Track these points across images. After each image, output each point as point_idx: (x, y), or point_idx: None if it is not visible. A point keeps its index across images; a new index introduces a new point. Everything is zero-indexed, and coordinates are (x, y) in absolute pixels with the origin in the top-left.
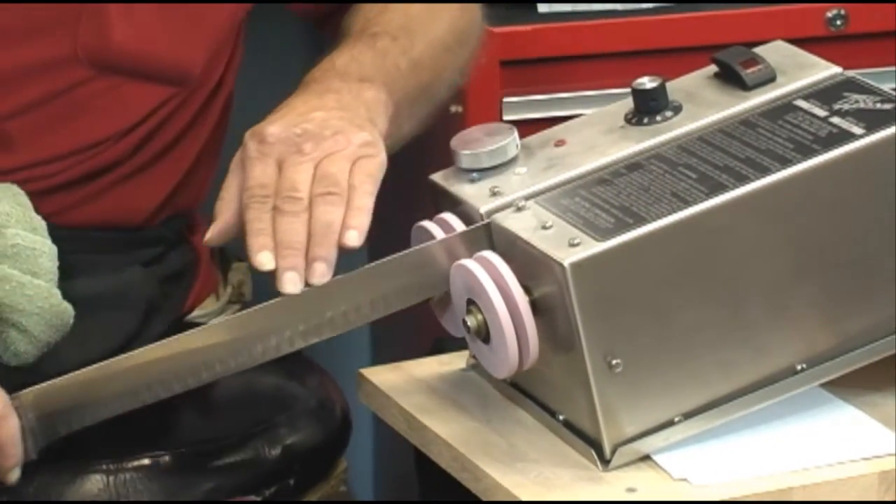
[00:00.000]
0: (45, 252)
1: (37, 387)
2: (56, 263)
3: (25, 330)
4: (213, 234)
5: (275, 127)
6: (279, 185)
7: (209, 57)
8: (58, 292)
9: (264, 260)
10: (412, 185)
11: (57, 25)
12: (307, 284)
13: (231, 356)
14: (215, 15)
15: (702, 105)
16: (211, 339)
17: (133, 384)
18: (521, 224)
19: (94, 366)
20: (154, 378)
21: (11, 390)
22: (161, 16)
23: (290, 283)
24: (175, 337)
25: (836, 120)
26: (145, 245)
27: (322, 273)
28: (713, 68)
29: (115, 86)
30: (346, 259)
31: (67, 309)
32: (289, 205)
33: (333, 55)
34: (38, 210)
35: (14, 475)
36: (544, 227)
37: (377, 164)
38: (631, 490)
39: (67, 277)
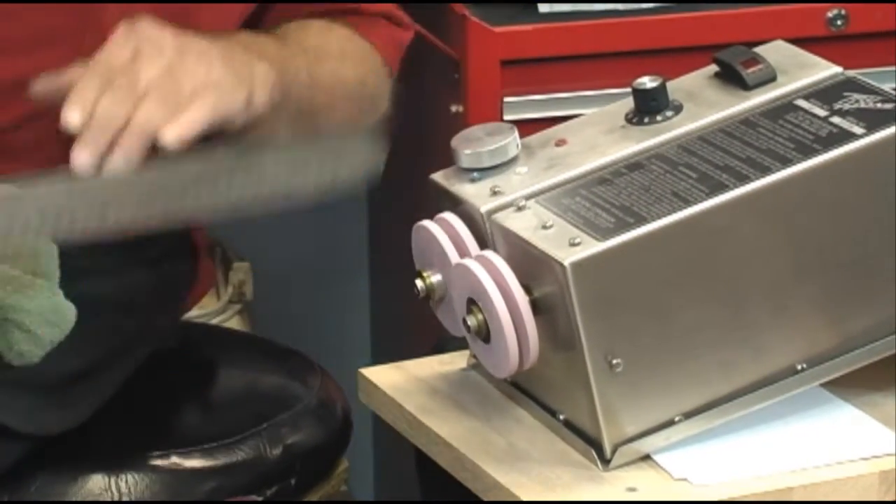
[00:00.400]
0: (46, 252)
1: None
2: (57, 262)
3: (29, 330)
4: (39, 84)
5: (158, 26)
6: (125, 66)
7: None
8: (60, 291)
9: (73, 118)
10: (413, 184)
11: (61, 36)
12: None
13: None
14: (215, 19)
15: (702, 105)
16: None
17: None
18: (521, 224)
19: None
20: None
21: (15, 389)
22: (162, 23)
23: (80, 159)
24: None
25: (836, 120)
26: (146, 246)
27: (116, 164)
28: (714, 68)
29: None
30: (347, 262)
31: (70, 308)
32: (122, 85)
33: (239, 33)
34: None
35: None
36: (545, 227)
37: (227, 101)
38: (631, 490)
39: (69, 279)
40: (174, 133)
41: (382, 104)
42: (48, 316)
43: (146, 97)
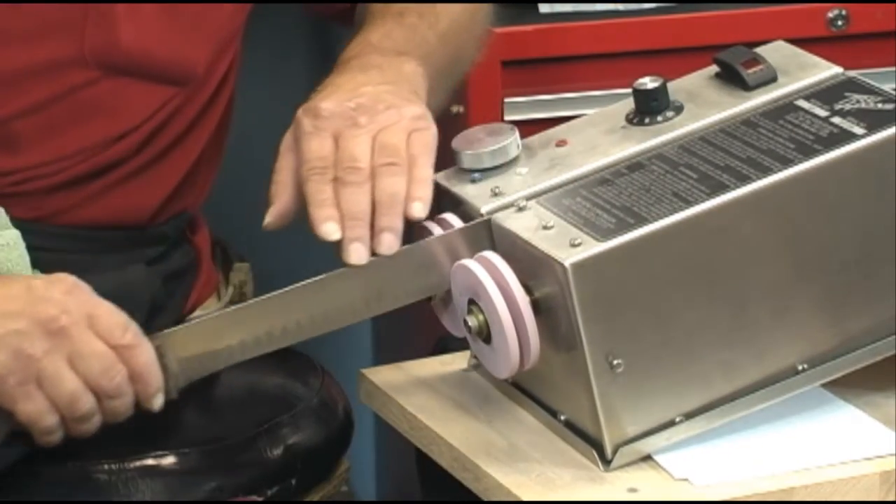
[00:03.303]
0: (7, 244)
1: (171, 330)
2: (20, 251)
3: None
4: (272, 217)
5: (328, 102)
6: (339, 157)
7: (212, 56)
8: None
9: (330, 230)
10: None
11: (64, 27)
12: (373, 254)
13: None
14: (218, 14)
15: (703, 105)
16: (328, 291)
17: (257, 330)
18: (522, 224)
19: (224, 310)
20: (275, 326)
21: None
22: (166, 16)
23: (356, 254)
24: (296, 287)
25: (837, 120)
26: (148, 244)
27: (390, 244)
28: (714, 68)
29: (121, 86)
30: None
31: None
32: (351, 176)
33: (366, 33)
34: (41, 209)
35: (158, 401)
36: (545, 228)
37: (431, 135)
38: (632, 490)
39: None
40: (420, 201)
41: (485, 9)
42: None
43: (378, 176)
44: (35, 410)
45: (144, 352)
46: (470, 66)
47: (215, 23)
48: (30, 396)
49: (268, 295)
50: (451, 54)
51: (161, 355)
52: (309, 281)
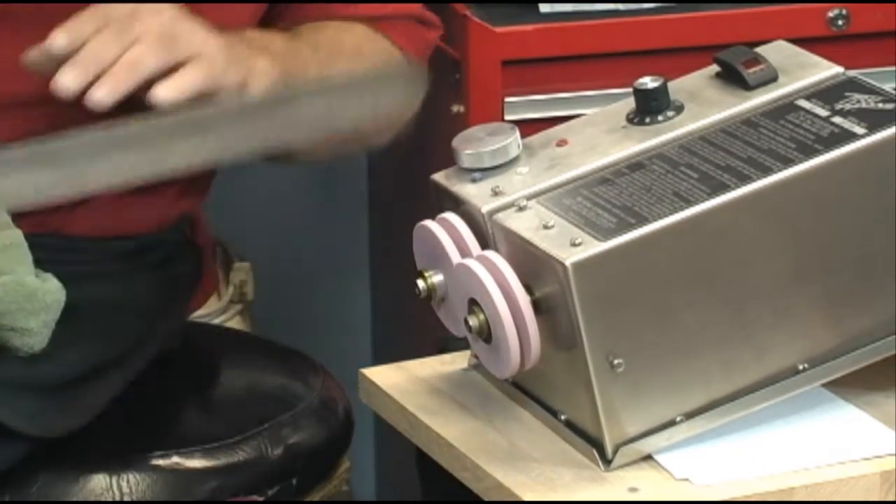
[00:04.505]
0: (10, 244)
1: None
2: (22, 249)
3: (12, 328)
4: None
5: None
6: (122, 17)
7: None
8: (30, 279)
9: (60, 40)
10: (414, 184)
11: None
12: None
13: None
14: (225, 20)
15: (704, 105)
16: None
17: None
18: (522, 224)
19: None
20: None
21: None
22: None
23: (63, 81)
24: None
25: (837, 120)
26: (151, 250)
27: (101, 97)
28: (715, 68)
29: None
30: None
31: (48, 290)
32: (116, 33)
33: (248, 30)
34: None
35: None
36: (546, 227)
37: (222, 77)
38: (633, 490)
39: (75, 284)
40: (167, 91)
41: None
42: (25, 306)
43: (139, 42)
44: None
45: None
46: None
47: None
48: None
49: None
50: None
51: None
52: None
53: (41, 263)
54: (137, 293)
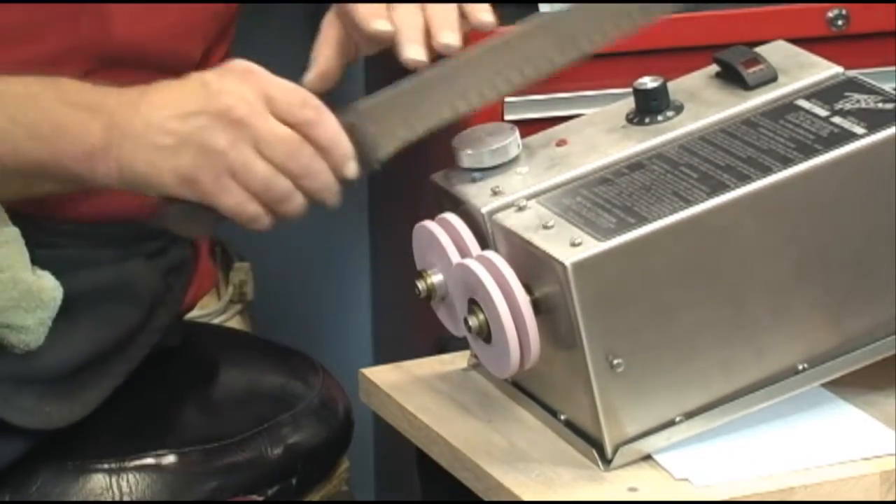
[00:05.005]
0: (6, 241)
1: (362, 103)
2: (18, 246)
3: (8, 325)
4: (310, 76)
5: None
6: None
7: (206, 47)
8: (26, 276)
9: (382, 24)
10: (414, 184)
11: (58, 20)
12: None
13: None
14: (212, 4)
15: (703, 105)
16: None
17: (448, 92)
18: (522, 224)
19: (411, 78)
20: (469, 85)
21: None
22: (159, 7)
23: (415, 52)
24: (481, 43)
25: (837, 120)
26: (147, 238)
27: (454, 39)
28: (714, 68)
29: (115, 77)
30: (348, 262)
31: (44, 287)
32: (405, 4)
33: None
34: (41, 204)
35: (350, 168)
36: (546, 227)
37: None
38: (632, 490)
39: (71, 270)
40: (482, 10)
41: None
42: (21, 304)
43: (428, 6)
44: (235, 202)
45: (327, 124)
46: None
47: (209, 12)
48: (227, 189)
49: (452, 59)
50: None
51: (353, 129)
52: (494, 40)
53: (35, 245)
54: (133, 280)
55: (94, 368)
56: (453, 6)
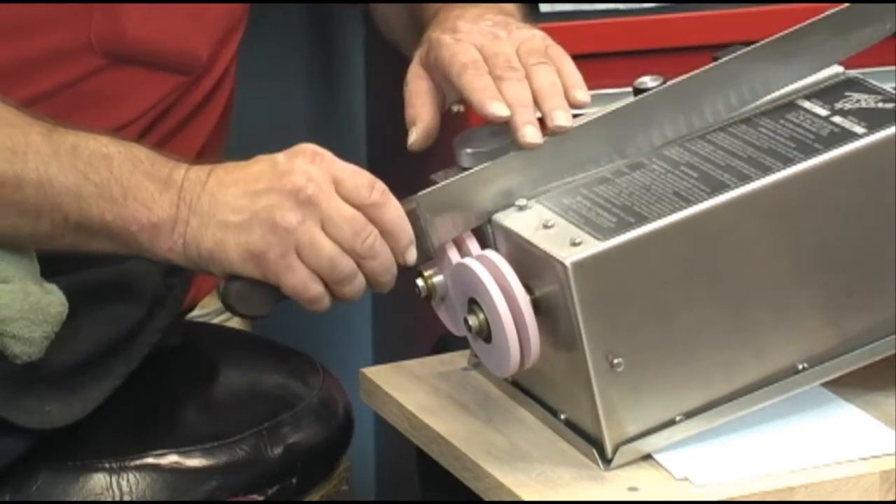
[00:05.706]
0: (14, 253)
1: (423, 192)
2: (32, 256)
3: (14, 335)
4: (417, 135)
5: (463, 21)
6: (490, 60)
7: (215, 45)
8: (36, 289)
9: (499, 108)
10: (413, 184)
11: (70, 17)
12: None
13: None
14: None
15: None
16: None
17: (507, 185)
18: (522, 223)
19: (473, 170)
20: (523, 181)
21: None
22: (170, 4)
23: (531, 134)
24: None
25: (837, 119)
26: None
27: (565, 118)
28: None
29: (126, 75)
30: None
31: (52, 302)
32: (510, 72)
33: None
34: None
35: (411, 255)
36: (546, 227)
37: (564, 51)
38: (633, 489)
39: (72, 268)
40: (581, 88)
41: None
42: (29, 316)
43: (531, 73)
44: (300, 281)
45: (392, 208)
46: None
47: (219, 11)
48: (292, 268)
49: (511, 154)
50: None
51: (416, 216)
52: (552, 137)
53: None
54: (133, 280)
55: (95, 368)
56: (558, 81)
